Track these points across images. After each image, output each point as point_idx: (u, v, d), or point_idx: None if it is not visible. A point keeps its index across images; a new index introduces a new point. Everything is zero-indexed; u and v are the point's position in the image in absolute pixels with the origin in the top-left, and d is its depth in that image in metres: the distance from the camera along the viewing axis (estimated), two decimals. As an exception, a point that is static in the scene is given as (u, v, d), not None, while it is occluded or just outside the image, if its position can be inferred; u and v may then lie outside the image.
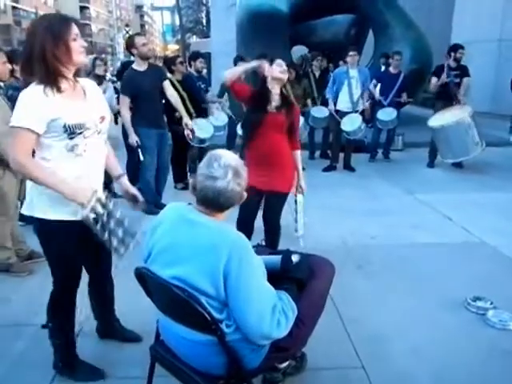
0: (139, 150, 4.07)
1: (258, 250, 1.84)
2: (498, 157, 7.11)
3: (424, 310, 2.76)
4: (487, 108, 10.53)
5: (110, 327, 2.38)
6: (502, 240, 3.92)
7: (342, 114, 6.32)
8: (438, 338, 2.48)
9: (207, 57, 10.60)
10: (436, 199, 5.16)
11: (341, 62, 7.72)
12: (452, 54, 6.44)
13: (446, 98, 6.42)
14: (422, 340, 2.46)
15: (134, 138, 4.10)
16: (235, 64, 5.81)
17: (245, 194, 1.68)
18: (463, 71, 6.46)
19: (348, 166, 6.66)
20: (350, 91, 6.29)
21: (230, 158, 1.64)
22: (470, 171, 6.52)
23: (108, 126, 1.98)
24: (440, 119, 6.28)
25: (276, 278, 1.74)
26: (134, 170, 4.50)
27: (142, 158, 4.07)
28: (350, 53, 6.18)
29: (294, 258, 1.83)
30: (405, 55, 8.24)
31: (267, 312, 1.57)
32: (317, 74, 7.08)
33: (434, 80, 6.50)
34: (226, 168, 1.61)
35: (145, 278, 1.69)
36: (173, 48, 34.07)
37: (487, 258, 3.56)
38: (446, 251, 3.67)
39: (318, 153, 7.46)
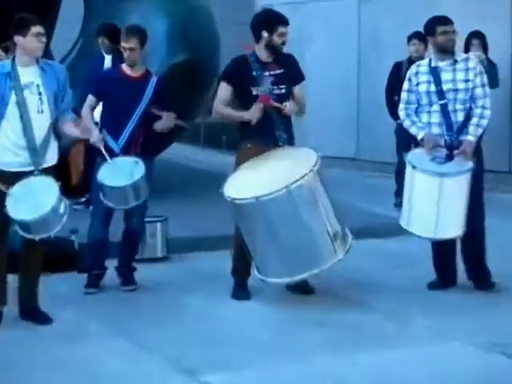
0: None
1: None
2: (383, 264, 7.62)
3: None
4: (351, 150, 12.23)
5: None
6: None
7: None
8: None
9: None
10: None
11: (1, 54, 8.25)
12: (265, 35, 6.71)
13: (263, 130, 6.67)
14: None
15: None
16: None
17: None
18: (288, 68, 6.86)
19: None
20: (22, 119, 6.16)
21: None
22: (317, 302, 6.79)
23: None
24: (250, 182, 6.52)
25: None
26: None
27: None
28: (33, 29, 6.05)
29: None
30: (155, 33, 8.79)
31: None
32: None
33: (222, 91, 6.91)
34: None
35: None
36: None
37: None
38: None
39: None
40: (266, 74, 6.77)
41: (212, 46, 10.40)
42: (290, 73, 6.91)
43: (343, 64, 13.97)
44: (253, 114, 6.66)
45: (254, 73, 6.74)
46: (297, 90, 6.93)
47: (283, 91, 6.79)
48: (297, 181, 6.18)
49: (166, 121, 7.15)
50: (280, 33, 6.72)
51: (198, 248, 8.50)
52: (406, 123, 7.02)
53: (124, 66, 7.28)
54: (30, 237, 6.19)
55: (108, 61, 9.32)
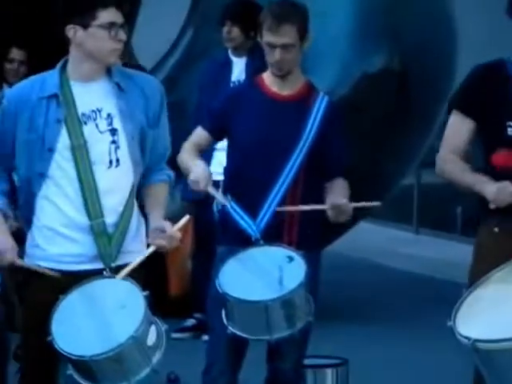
0: None
1: None
2: None
3: None
4: None
5: None
6: None
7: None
8: None
9: None
10: None
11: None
12: None
13: None
14: None
15: None
16: None
17: None
18: None
19: None
20: (81, 179, 5.84)
21: None
22: None
23: None
24: (505, 307, 5.04)
25: None
26: None
27: None
28: (103, 16, 5.84)
29: None
30: (330, 18, 8.90)
31: None
32: None
33: (454, 126, 5.85)
34: None
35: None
36: None
37: None
38: None
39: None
40: None
41: (442, 45, 9.69)
42: None
43: None
44: (498, 192, 5.28)
45: None
46: None
47: None
48: None
49: (342, 203, 5.93)
50: None
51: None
52: None
53: (266, 78, 6.17)
54: (95, 388, 5.50)
55: (239, 67, 8.91)
